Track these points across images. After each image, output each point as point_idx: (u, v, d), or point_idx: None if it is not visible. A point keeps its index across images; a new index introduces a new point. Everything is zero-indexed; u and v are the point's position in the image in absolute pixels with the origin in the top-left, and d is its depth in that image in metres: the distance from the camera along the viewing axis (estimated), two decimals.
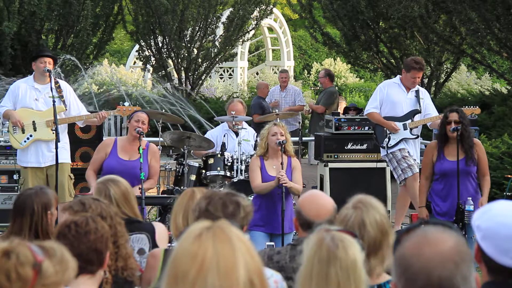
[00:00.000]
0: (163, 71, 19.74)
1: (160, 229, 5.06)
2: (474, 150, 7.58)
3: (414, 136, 8.88)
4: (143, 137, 7.69)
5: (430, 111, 8.88)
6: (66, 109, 8.44)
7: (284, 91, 14.34)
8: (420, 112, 8.87)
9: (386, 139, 8.89)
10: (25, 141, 8.37)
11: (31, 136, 8.38)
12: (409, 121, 8.86)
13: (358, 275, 2.86)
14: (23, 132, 8.38)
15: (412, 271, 2.24)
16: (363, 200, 3.79)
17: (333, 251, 2.84)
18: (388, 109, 8.92)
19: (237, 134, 8.85)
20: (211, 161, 8.58)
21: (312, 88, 26.00)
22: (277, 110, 13.16)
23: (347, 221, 3.69)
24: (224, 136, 8.82)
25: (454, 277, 2.23)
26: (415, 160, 8.90)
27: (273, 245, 4.80)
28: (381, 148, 9.08)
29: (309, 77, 29.27)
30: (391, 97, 8.91)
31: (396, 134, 8.85)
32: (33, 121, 8.37)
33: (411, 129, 8.86)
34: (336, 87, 23.42)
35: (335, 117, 10.67)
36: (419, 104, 8.85)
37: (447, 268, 2.23)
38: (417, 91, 8.91)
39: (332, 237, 2.89)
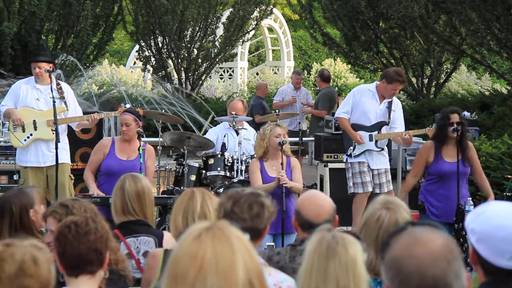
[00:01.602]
0: (163, 71, 19.73)
1: (169, 236, 5.06)
2: (468, 150, 7.62)
3: (379, 149, 8.80)
4: (143, 137, 7.69)
5: (396, 124, 8.77)
6: (67, 110, 8.44)
7: (297, 90, 14.60)
8: (387, 124, 8.80)
9: (351, 148, 8.82)
10: (25, 140, 8.37)
11: (31, 135, 8.37)
12: (376, 132, 8.79)
13: (357, 272, 2.87)
14: (24, 131, 8.38)
15: (405, 272, 2.24)
16: (392, 200, 3.83)
17: (333, 247, 2.87)
18: (357, 116, 8.81)
19: (238, 133, 8.83)
20: (211, 161, 8.57)
21: (312, 89, 25.97)
22: (277, 111, 13.23)
23: (382, 222, 3.71)
24: (225, 136, 8.81)
25: (447, 274, 2.23)
26: (374, 176, 8.82)
27: (273, 245, 4.79)
28: (344, 155, 9.02)
29: (309, 77, 29.25)
30: (363, 105, 8.78)
31: (362, 144, 8.80)
32: (34, 120, 8.37)
33: (376, 141, 8.79)
34: (336, 88, 23.45)
35: (335, 117, 10.65)
36: (389, 115, 8.79)
37: (440, 266, 2.23)
38: (389, 102, 8.78)
39: (334, 235, 2.93)
